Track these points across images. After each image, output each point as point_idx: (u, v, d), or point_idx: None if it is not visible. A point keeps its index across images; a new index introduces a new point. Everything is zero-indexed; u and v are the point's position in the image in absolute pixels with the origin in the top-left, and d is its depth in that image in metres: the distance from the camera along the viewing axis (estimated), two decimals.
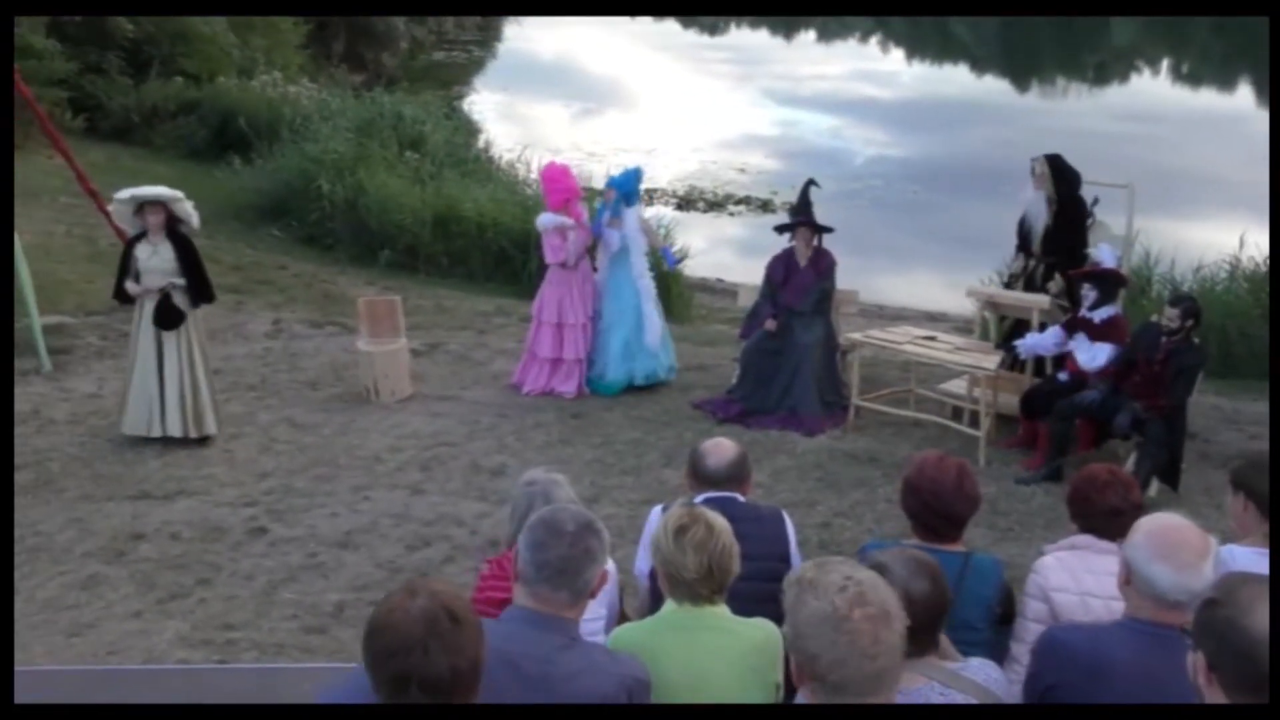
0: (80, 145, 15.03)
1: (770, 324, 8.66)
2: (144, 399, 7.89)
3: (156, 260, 7.79)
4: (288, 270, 12.66)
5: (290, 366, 9.66)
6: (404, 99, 17.05)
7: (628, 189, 9.00)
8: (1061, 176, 8.30)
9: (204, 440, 8.00)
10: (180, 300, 7.82)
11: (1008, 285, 8.77)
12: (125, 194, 7.82)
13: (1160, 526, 2.83)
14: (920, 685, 2.71)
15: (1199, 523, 2.96)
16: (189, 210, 7.85)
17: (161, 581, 6.28)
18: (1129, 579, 2.81)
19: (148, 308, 7.83)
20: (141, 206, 7.75)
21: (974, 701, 2.77)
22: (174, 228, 7.84)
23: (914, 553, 3.00)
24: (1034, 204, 8.40)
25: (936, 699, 2.73)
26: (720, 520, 3.17)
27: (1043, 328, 8.15)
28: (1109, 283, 7.68)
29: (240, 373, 9.37)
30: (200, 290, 7.93)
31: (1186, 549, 2.75)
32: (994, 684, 2.86)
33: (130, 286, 7.83)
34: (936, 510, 3.49)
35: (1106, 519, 3.60)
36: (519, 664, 2.46)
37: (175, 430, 7.91)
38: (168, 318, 7.82)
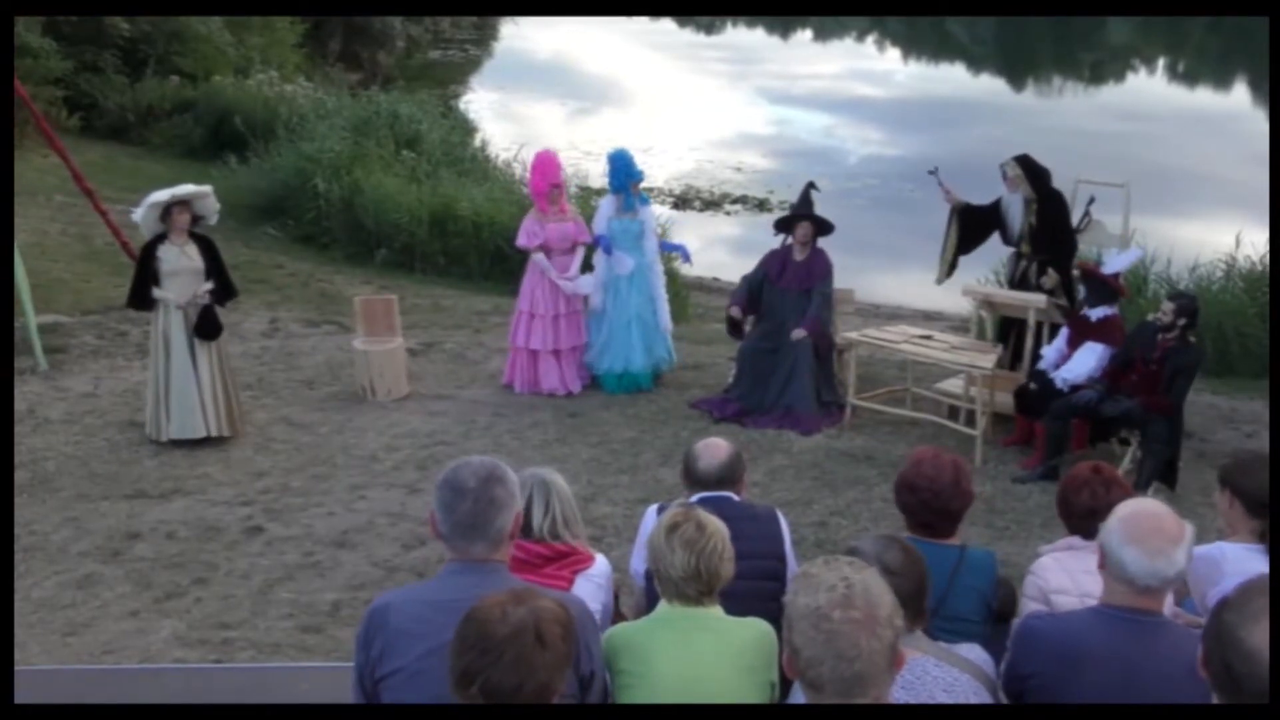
0: (76, 144, 15.04)
1: (734, 311, 8.75)
2: (188, 403, 7.88)
3: (185, 261, 7.78)
4: (284, 269, 12.65)
5: (287, 366, 9.66)
6: (400, 98, 17.03)
7: (636, 173, 9.01)
8: (1036, 175, 8.32)
9: (217, 440, 8.00)
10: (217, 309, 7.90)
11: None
12: (164, 194, 7.74)
13: (1135, 511, 2.84)
14: (917, 657, 2.74)
15: (1195, 521, 2.97)
16: (214, 206, 7.87)
17: (158, 581, 6.28)
18: (1103, 564, 2.83)
19: (175, 314, 7.81)
20: (169, 208, 7.72)
21: (966, 676, 2.81)
22: (192, 228, 7.85)
23: (883, 534, 3.07)
24: (1011, 205, 8.41)
25: (933, 670, 2.78)
26: (714, 522, 3.17)
27: (1039, 327, 8.17)
28: (1101, 289, 7.67)
29: (237, 372, 9.33)
30: (228, 289, 8.01)
31: (1159, 534, 2.76)
32: (984, 663, 2.89)
33: (165, 296, 7.76)
34: (933, 507, 3.51)
35: (1083, 519, 3.60)
36: (460, 608, 2.51)
37: (214, 430, 7.95)
38: (211, 330, 7.87)
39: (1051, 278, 8.15)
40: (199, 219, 7.90)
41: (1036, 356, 8.03)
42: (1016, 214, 8.40)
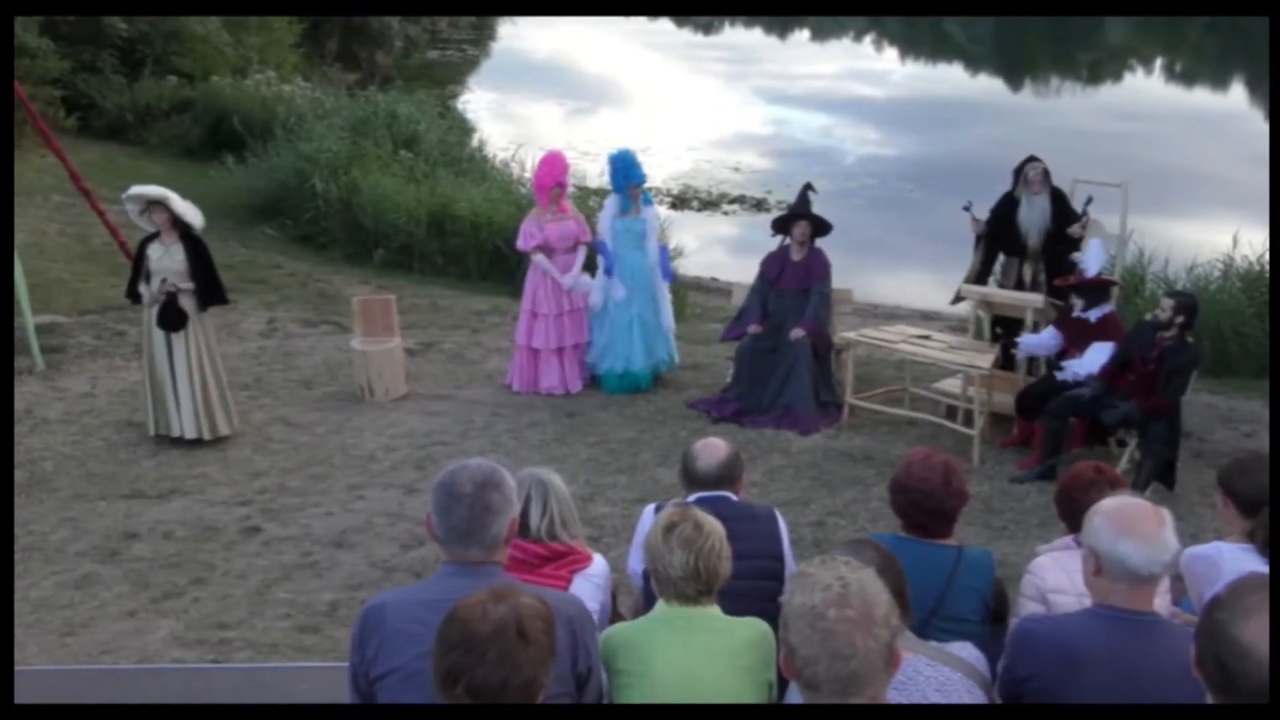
0: (74, 144, 15.03)
1: (754, 328, 8.68)
2: (163, 400, 7.91)
3: (168, 261, 7.78)
4: (282, 269, 12.65)
5: (285, 365, 9.65)
6: (398, 98, 17.02)
7: (639, 175, 8.98)
8: (1049, 177, 8.37)
9: (215, 440, 7.99)
10: (186, 303, 7.81)
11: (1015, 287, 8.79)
12: (125, 195, 7.86)
13: (1114, 507, 2.86)
14: (909, 657, 2.74)
15: (1193, 521, 2.99)
16: (184, 209, 7.79)
17: (155, 581, 6.27)
18: (1098, 568, 2.82)
19: (153, 311, 7.83)
20: (147, 206, 7.74)
21: (959, 675, 2.81)
22: (187, 228, 7.84)
23: (854, 537, 3.14)
24: (1036, 207, 8.37)
25: (925, 670, 2.78)
26: (711, 521, 3.18)
27: (1037, 327, 8.18)
28: (1093, 291, 7.71)
29: (235, 372, 9.33)
30: (211, 292, 7.93)
31: (1146, 522, 2.78)
32: (977, 661, 2.90)
33: (142, 289, 7.83)
34: (925, 508, 3.51)
35: None
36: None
37: (190, 432, 7.92)
38: (170, 320, 7.82)
39: (1080, 225, 8.19)
40: (184, 223, 7.84)
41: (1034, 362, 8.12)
42: (1041, 216, 8.37)
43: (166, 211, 7.72)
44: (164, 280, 7.74)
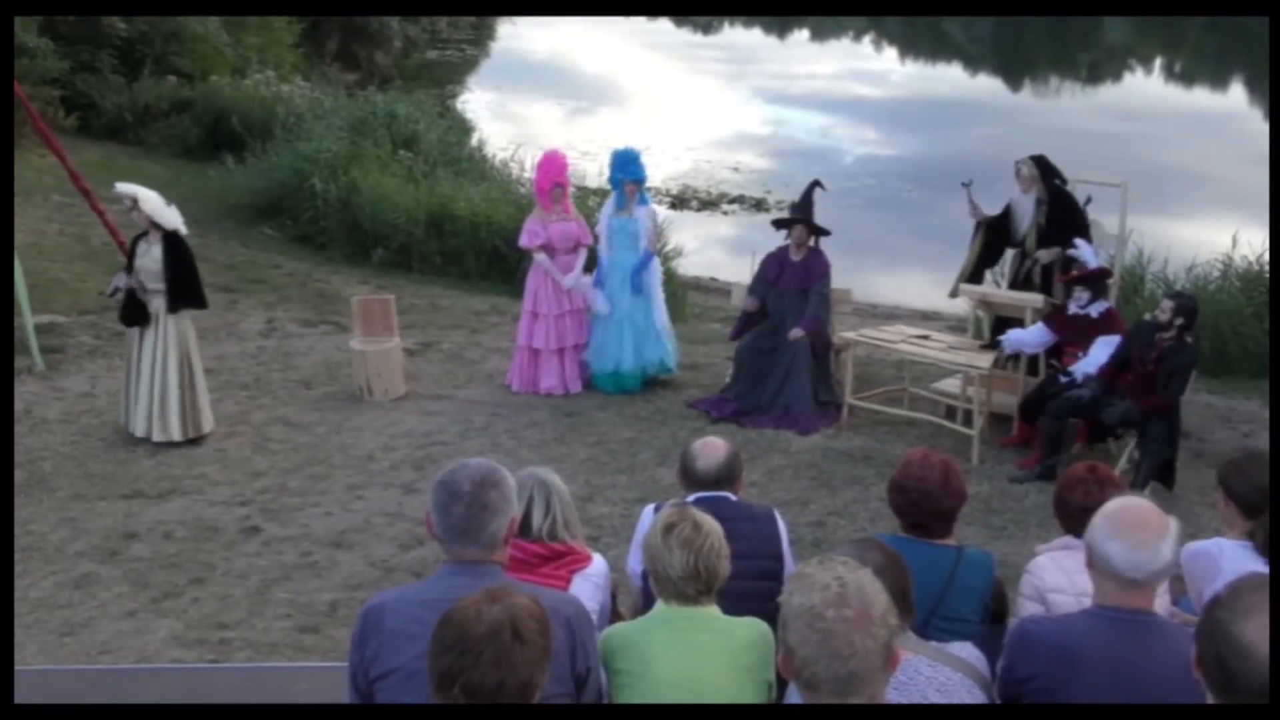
0: (73, 144, 15.01)
1: (751, 303, 8.71)
2: (129, 397, 7.99)
3: (147, 260, 7.80)
4: (281, 269, 12.64)
5: (284, 365, 9.65)
6: (397, 98, 17.02)
7: (634, 172, 8.96)
8: (1050, 175, 8.37)
9: (194, 441, 7.97)
10: (152, 301, 7.79)
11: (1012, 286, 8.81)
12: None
13: (1119, 507, 2.86)
14: (909, 657, 2.74)
15: (1192, 521, 2.99)
16: (156, 209, 7.73)
17: (155, 581, 6.27)
18: (1090, 561, 2.84)
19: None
20: (134, 204, 7.76)
21: (959, 675, 2.81)
22: (166, 230, 7.83)
23: (860, 537, 3.11)
24: (1022, 205, 8.43)
25: (925, 670, 2.78)
26: (709, 521, 3.18)
27: None
28: (1094, 282, 7.75)
29: (234, 372, 9.36)
30: (180, 294, 7.80)
31: (1144, 527, 2.77)
32: (977, 661, 2.90)
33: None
34: (924, 507, 3.52)
35: (1078, 518, 3.62)
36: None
37: (140, 430, 7.91)
38: (128, 315, 7.84)
39: (1051, 252, 8.19)
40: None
41: (1053, 366, 8.11)
42: (1026, 213, 8.43)
43: (143, 212, 7.74)
44: (132, 276, 7.77)
